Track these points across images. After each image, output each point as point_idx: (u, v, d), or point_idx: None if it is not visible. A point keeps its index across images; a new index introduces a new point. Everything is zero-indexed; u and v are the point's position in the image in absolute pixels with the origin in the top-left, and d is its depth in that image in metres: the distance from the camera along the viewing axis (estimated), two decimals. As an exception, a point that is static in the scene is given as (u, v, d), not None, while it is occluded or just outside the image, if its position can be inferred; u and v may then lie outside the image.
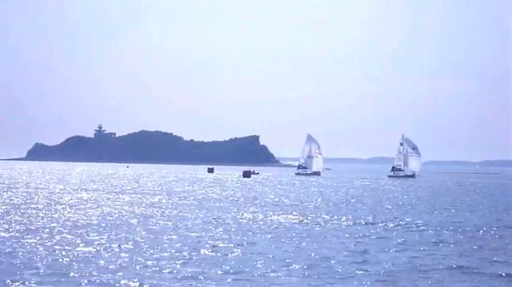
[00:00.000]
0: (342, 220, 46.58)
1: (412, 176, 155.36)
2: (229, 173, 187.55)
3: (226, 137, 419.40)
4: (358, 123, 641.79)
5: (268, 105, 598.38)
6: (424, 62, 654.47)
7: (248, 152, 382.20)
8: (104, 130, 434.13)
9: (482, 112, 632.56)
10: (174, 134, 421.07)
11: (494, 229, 42.55)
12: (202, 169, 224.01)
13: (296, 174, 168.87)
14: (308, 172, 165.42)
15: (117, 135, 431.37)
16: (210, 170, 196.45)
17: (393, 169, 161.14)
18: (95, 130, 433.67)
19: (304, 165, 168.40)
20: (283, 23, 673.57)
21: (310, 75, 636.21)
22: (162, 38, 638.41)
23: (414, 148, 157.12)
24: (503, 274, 25.74)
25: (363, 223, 44.76)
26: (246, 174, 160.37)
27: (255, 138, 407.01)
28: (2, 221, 40.39)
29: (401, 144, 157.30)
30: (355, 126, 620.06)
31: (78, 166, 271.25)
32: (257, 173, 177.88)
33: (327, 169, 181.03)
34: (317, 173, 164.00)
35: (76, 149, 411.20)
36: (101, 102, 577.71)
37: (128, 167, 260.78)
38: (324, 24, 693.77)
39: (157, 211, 50.87)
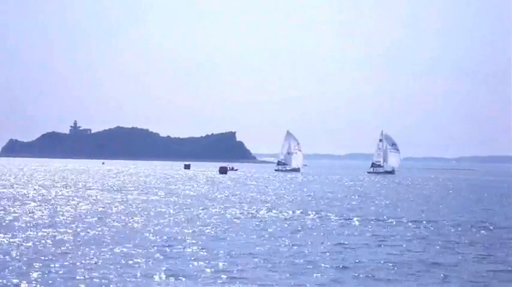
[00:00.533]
0: (322, 215, 46.06)
1: (392, 172, 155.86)
2: (206, 169, 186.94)
3: (203, 133, 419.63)
4: (335, 121, 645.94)
5: (247, 105, 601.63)
6: (415, 61, 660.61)
7: (225, 149, 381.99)
8: (79, 126, 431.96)
9: (463, 110, 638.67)
10: (150, 130, 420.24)
11: (472, 224, 42.34)
12: (179, 165, 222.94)
13: (276, 170, 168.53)
14: (288, 168, 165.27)
15: (92, 132, 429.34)
16: (187, 167, 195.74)
17: (373, 165, 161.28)
18: (70, 126, 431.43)
19: (283, 161, 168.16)
20: (283, 23, 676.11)
21: (310, 75, 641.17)
22: (162, 38, 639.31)
23: (393, 144, 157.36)
24: (484, 270, 25.52)
25: (342, 218, 44.42)
26: (223, 170, 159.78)
27: (232, 134, 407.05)
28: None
29: (380, 140, 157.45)
30: (333, 123, 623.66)
31: (54, 162, 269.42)
32: (236, 170, 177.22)
33: (304, 165, 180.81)
34: (296, 170, 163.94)
35: (51, 145, 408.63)
36: (96, 100, 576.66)
37: (103, 163, 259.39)
38: (323, 24, 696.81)
39: (131, 208, 49.95)
